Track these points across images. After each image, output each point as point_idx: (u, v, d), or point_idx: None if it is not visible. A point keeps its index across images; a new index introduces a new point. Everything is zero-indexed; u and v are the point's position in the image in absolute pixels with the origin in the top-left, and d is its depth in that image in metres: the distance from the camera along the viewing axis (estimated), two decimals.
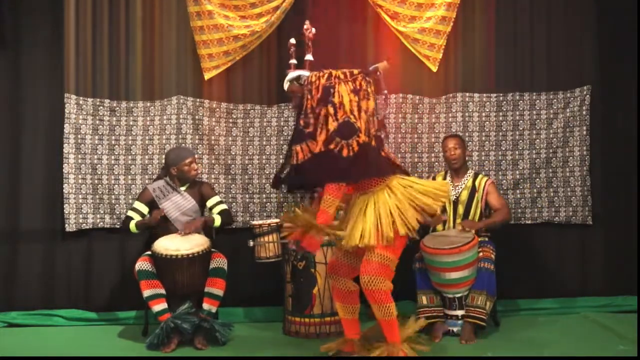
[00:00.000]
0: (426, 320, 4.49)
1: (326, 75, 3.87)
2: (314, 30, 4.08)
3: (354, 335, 4.05)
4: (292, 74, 4.00)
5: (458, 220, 4.85)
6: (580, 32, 5.50)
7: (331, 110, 3.77)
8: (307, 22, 4.11)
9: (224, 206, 4.96)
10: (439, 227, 4.89)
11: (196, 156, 5.02)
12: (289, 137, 5.48)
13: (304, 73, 3.97)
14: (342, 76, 3.85)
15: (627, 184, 5.40)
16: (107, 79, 5.42)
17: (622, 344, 4.36)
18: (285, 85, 4.03)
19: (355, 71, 3.89)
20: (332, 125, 3.75)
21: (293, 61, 4.09)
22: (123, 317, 5.26)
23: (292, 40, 4.13)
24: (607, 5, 5.48)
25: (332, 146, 3.73)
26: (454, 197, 4.90)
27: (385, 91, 3.93)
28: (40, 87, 5.40)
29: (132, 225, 4.79)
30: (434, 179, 5.04)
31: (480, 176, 4.98)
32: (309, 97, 3.85)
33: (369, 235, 3.77)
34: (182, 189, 4.89)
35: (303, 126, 3.83)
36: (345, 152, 3.73)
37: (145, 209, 4.86)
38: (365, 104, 3.82)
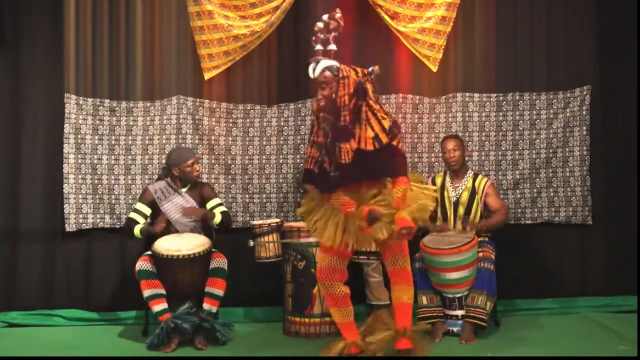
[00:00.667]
0: (427, 322, 4.51)
1: (352, 72, 3.83)
2: (342, 20, 3.92)
3: (355, 336, 4.04)
4: (325, 62, 3.83)
5: (459, 222, 4.85)
6: (580, 32, 5.50)
7: (375, 106, 3.79)
8: (338, 10, 3.94)
9: (223, 208, 4.95)
10: (438, 223, 4.90)
11: (199, 161, 5.01)
12: (289, 137, 5.52)
13: (335, 63, 3.84)
14: (361, 74, 3.85)
15: (627, 184, 5.40)
16: (107, 79, 5.42)
17: (622, 344, 4.36)
18: (316, 72, 3.84)
19: (366, 71, 3.88)
20: (385, 122, 3.78)
21: (319, 47, 3.90)
22: (123, 317, 5.26)
23: (320, 24, 3.90)
24: (607, 5, 5.48)
25: (395, 142, 3.79)
26: (455, 199, 4.90)
27: (376, 95, 3.91)
28: (40, 87, 5.40)
29: (136, 231, 4.77)
30: (433, 179, 5.04)
31: (480, 177, 4.98)
32: (343, 91, 3.77)
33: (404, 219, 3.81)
34: (183, 190, 4.89)
35: (349, 123, 3.76)
36: (402, 148, 3.87)
37: (147, 210, 4.85)
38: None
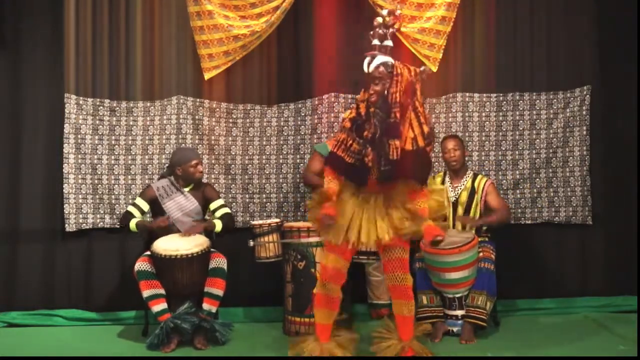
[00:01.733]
0: (429, 323, 4.51)
1: (406, 70, 3.79)
2: (401, 17, 3.92)
3: (328, 339, 4.04)
4: (381, 57, 3.79)
5: (458, 222, 4.85)
6: (580, 32, 5.50)
7: (420, 108, 3.79)
8: (397, 4, 3.95)
9: (226, 210, 4.94)
10: None
11: (200, 158, 4.98)
12: (289, 137, 5.52)
13: (390, 60, 3.81)
14: (413, 73, 3.81)
15: (627, 184, 5.40)
16: (107, 79, 5.42)
17: (622, 344, 4.36)
18: (371, 67, 3.79)
19: (418, 70, 3.83)
20: (425, 127, 3.79)
21: (376, 42, 3.85)
22: (123, 317, 5.26)
23: (379, 19, 3.85)
24: (607, 5, 5.48)
25: (429, 148, 3.82)
26: (454, 199, 4.90)
27: (423, 96, 3.92)
28: (40, 87, 5.40)
29: (132, 224, 4.77)
30: (433, 179, 5.04)
31: (479, 177, 4.98)
32: (396, 88, 3.74)
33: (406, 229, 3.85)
34: (186, 190, 4.88)
35: (399, 120, 3.73)
36: (431, 156, 3.89)
37: (145, 206, 4.85)
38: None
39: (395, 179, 3.79)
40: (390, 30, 3.85)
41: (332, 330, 4.06)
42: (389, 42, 3.84)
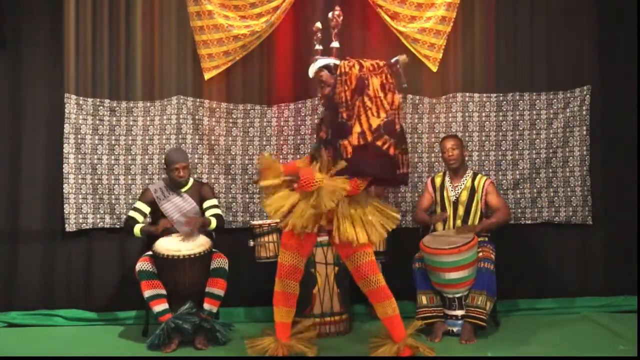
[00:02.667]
0: (423, 320, 4.52)
1: (357, 66, 3.73)
2: (341, 17, 3.92)
3: (287, 338, 4.03)
4: (321, 60, 3.85)
5: (458, 221, 4.85)
6: (580, 32, 5.50)
7: (368, 103, 3.69)
8: (337, 7, 3.95)
9: (217, 211, 4.93)
10: (439, 226, 4.90)
11: (188, 166, 4.88)
12: (289, 137, 5.52)
13: (333, 61, 3.83)
14: (371, 67, 3.74)
15: (627, 184, 5.40)
16: (107, 79, 5.42)
17: (622, 344, 4.36)
18: (312, 72, 3.86)
19: (381, 63, 3.78)
20: (375, 120, 3.68)
21: (319, 47, 3.91)
22: (123, 317, 5.26)
23: (319, 25, 3.94)
24: (607, 5, 5.49)
25: (379, 142, 3.69)
26: (454, 198, 4.90)
27: (405, 85, 3.83)
28: (40, 87, 5.41)
29: (136, 230, 4.77)
30: (432, 179, 5.04)
31: (479, 176, 4.98)
32: (345, 87, 3.70)
33: (365, 233, 3.80)
34: (183, 190, 4.88)
35: (346, 119, 3.68)
36: (392, 151, 3.72)
37: (147, 209, 4.85)
38: (390, 98, 3.75)
39: (352, 175, 3.73)
40: (334, 31, 3.88)
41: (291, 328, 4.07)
42: (335, 44, 3.87)
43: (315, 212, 3.74)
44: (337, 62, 3.81)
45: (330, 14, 3.96)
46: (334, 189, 3.72)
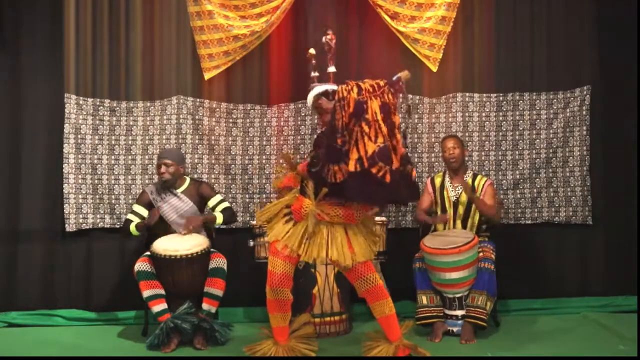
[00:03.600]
0: (422, 320, 4.54)
1: (356, 89, 3.62)
2: (333, 40, 3.86)
3: (285, 341, 4.04)
4: (318, 88, 3.78)
5: (458, 222, 4.85)
6: (580, 32, 5.50)
7: (366, 128, 3.58)
8: (329, 31, 3.87)
9: (226, 204, 4.93)
10: (440, 227, 4.90)
11: (171, 165, 4.81)
12: (289, 137, 5.52)
13: (330, 87, 3.76)
14: (370, 89, 3.63)
15: (627, 184, 5.41)
16: (107, 79, 5.42)
17: (622, 344, 4.36)
18: (310, 101, 3.81)
19: (381, 83, 3.68)
20: (371, 146, 3.58)
21: (315, 74, 3.86)
22: (123, 317, 5.26)
23: (312, 51, 3.88)
24: (607, 5, 5.49)
25: (374, 170, 3.59)
26: (454, 198, 4.90)
27: (410, 102, 3.78)
28: (40, 87, 5.41)
29: (132, 228, 4.77)
30: (432, 179, 5.04)
31: (479, 177, 4.98)
32: (342, 113, 3.59)
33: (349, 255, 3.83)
34: (179, 190, 4.88)
35: (341, 145, 3.59)
36: (388, 178, 3.61)
37: (144, 212, 4.85)
38: (391, 119, 3.67)
39: (347, 200, 3.73)
40: (329, 55, 3.80)
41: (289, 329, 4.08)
42: (331, 69, 3.79)
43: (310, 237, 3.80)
44: (335, 87, 3.72)
45: (323, 39, 3.88)
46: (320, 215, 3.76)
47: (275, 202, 4.00)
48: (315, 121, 3.86)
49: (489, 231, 4.92)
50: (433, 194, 4.99)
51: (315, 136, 3.88)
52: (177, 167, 4.84)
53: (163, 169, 4.79)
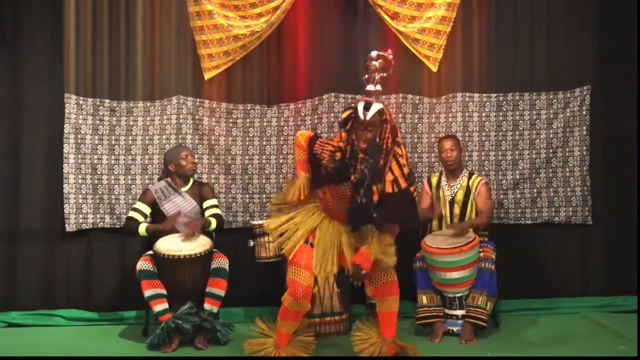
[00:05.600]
0: (427, 322, 4.52)
1: (392, 113, 3.77)
2: (378, 61, 3.70)
3: (286, 345, 4.05)
4: (377, 105, 3.69)
5: (455, 221, 4.86)
6: (580, 32, 5.50)
7: (399, 150, 3.74)
8: (389, 50, 3.75)
9: (217, 210, 4.93)
10: (435, 226, 4.90)
11: (195, 155, 5.00)
12: (289, 137, 5.52)
13: (381, 106, 3.72)
14: (393, 115, 3.84)
15: (627, 184, 5.41)
16: (107, 79, 5.42)
17: (622, 344, 4.36)
18: (369, 115, 3.66)
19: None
20: (406, 169, 3.75)
21: (371, 87, 3.70)
22: (123, 317, 5.25)
23: (376, 63, 3.69)
24: (607, 5, 5.49)
25: (412, 188, 3.78)
26: (450, 198, 4.91)
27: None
28: (40, 87, 5.40)
29: (141, 229, 4.75)
30: (429, 179, 5.05)
31: (474, 176, 4.98)
32: (387, 135, 3.69)
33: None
34: (183, 190, 4.88)
35: (383, 165, 3.69)
36: (415, 197, 3.83)
37: (147, 210, 4.85)
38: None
39: (385, 222, 3.79)
40: (382, 74, 3.72)
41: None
42: (378, 87, 3.74)
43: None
44: (383, 107, 3.73)
45: (374, 53, 3.72)
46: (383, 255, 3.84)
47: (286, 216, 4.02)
48: (339, 128, 3.81)
49: (487, 230, 4.92)
50: (430, 193, 4.99)
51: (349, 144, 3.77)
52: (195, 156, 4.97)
53: (191, 158, 4.87)
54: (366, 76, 3.73)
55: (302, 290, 3.86)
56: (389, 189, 3.70)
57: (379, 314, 4.01)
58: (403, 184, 3.71)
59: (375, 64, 3.69)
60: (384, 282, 3.95)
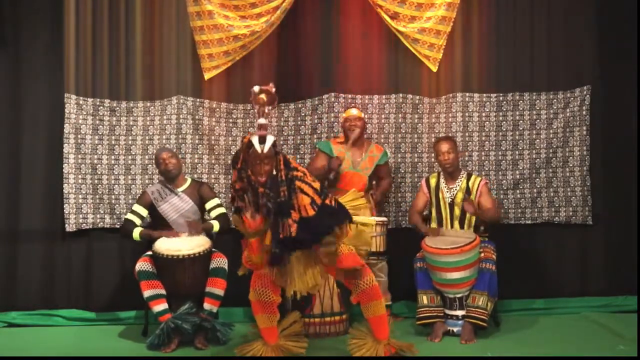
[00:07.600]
0: (416, 321, 4.56)
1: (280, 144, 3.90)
2: (262, 94, 3.75)
3: (275, 340, 4.07)
4: (271, 137, 3.74)
5: (455, 222, 4.85)
6: (580, 32, 5.50)
7: (298, 173, 3.77)
8: (271, 84, 3.77)
9: (222, 210, 4.93)
10: (434, 226, 4.91)
11: (177, 155, 4.94)
12: (289, 137, 5.52)
13: (274, 138, 3.80)
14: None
15: (627, 184, 5.41)
16: (107, 79, 5.41)
17: (622, 344, 4.36)
18: (266, 148, 3.68)
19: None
20: (316, 184, 3.83)
21: (263, 120, 3.72)
22: (123, 317, 5.25)
23: (264, 97, 3.72)
24: (607, 5, 5.49)
25: (327, 201, 3.83)
26: (450, 200, 4.90)
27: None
28: (40, 87, 5.40)
29: (135, 234, 4.76)
30: (427, 180, 5.04)
31: (473, 177, 4.97)
32: (281, 165, 3.73)
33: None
34: (180, 190, 4.88)
35: (287, 197, 3.69)
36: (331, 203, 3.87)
37: (144, 212, 4.86)
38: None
39: (304, 248, 3.82)
40: (269, 107, 3.76)
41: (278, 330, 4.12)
42: (262, 120, 3.74)
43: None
44: (274, 138, 3.79)
45: (256, 88, 3.75)
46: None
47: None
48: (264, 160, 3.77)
49: (487, 230, 4.92)
50: (429, 195, 4.99)
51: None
52: (177, 159, 4.91)
53: (168, 161, 4.82)
54: (257, 108, 3.74)
55: (259, 279, 4.01)
56: (310, 212, 3.73)
57: (367, 320, 4.03)
58: (319, 201, 3.78)
59: (263, 97, 3.72)
60: (363, 289, 3.97)
